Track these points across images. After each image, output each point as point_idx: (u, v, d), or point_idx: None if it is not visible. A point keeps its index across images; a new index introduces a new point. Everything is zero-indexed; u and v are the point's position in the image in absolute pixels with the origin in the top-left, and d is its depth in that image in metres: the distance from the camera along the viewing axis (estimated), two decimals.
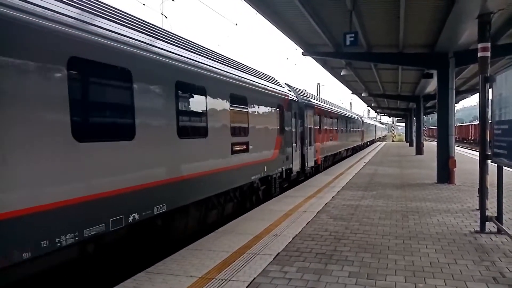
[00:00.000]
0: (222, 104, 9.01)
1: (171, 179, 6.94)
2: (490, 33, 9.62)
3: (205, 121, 8.23)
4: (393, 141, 75.81)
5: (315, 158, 18.27)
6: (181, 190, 7.29)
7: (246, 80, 10.57)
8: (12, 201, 4.18)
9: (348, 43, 10.96)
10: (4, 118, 4.12)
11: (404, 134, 71.85)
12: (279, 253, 6.10)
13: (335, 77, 24.40)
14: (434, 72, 16.65)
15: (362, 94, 32.22)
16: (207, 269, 5.40)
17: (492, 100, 6.96)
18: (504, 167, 6.75)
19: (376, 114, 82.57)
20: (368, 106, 58.80)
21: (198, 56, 8.26)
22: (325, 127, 21.29)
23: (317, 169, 19.15)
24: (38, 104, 4.51)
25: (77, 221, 4.97)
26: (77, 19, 5.11)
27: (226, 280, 5.00)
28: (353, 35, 10.94)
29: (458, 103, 45.12)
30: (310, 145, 17.25)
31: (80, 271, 5.56)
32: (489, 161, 7.34)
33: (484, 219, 7.20)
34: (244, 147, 10.18)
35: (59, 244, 4.67)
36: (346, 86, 30.81)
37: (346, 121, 30.27)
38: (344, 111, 32.21)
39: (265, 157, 11.82)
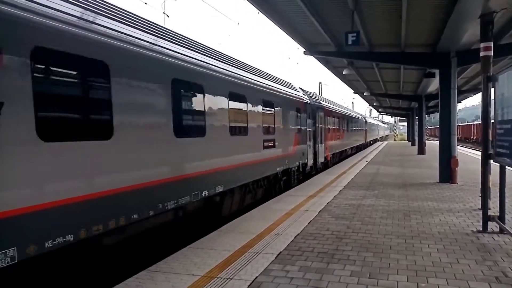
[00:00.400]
0: (257, 108, 11.00)
1: (227, 167, 9.10)
2: (493, 33, 9.59)
3: (246, 122, 10.22)
4: (395, 140, 75.72)
5: (325, 155, 20.11)
6: (231, 176, 9.36)
7: (273, 88, 12.67)
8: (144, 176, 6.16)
9: (350, 42, 10.96)
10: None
11: (406, 134, 71.76)
12: (281, 252, 6.10)
13: (337, 76, 24.39)
14: (436, 72, 16.59)
15: (364, 94, 32.21)
16: (209, 268, 5.41)
17: (494, 99, 6.96)
18: (506, 167, 6.74)
19: (378, 113, 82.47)
20: (370, 105, 58.74)
21: (242, 71, 10.35)
22: (333, 127, 23.15)
23: (326, 165, 20.64)
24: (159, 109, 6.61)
25: (175, 192, 6.97)
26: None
27: (228, 279, 5.01)
28: (355, 34, 10.94)
29: (460, 102, 45.13)
30: (321, 143, 19.14)
31: (82, 270, 5.57)
32: (491, 161, 7.34)
33: (486, 218, 7.19)
34: (272, 143, 12.21)
35: (167, 207, 6.77)
36: (348, 86, 30.79)
37: (352, 121, 32.23)
38: (349, 112, 34.03)
39: (287, 153, 13.83)
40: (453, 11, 9.94)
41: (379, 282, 4.82)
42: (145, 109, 6.35)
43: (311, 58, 17.20)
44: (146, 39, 6.51)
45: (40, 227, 4.49)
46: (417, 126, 35.76)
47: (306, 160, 16.39)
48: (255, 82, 11.03)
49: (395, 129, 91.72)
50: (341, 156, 26.70)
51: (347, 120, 29.01)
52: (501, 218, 6.97)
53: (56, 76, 4.96)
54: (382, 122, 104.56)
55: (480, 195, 8.04)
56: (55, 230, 4.66)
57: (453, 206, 9.44)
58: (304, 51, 15.74)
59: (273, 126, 12.33)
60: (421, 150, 29.11)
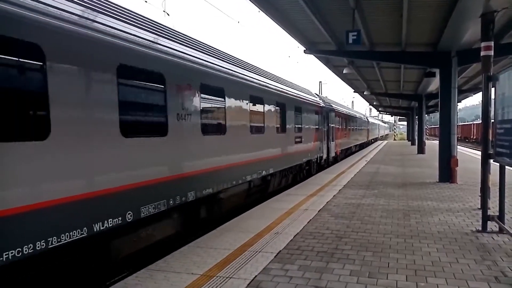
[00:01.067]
0: (292, 113, 14.52)
1: (276, 155, 12.60)
2: (494, 32, 9.57)
3: (284, 122, 13.60)
4: (395, 140, 75.75)
5: (335, 151, 23.64)
6: (277, 163, 12.79)
7: (302, 96, 16.31)
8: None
9: (350, 41, 10.94)
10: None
11: (406, 133, 71.76)
12: (280, 251, 6.10)
13: (337, 75, 24.37)
14: (437, 71, 16.57)
15: (364, 93, 32.19)
16: (208, 267, 5.41)
17: (495, 99, 6.95)
18: (506, 167, 6.73)
19: (378, 112, 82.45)
20: (370, 104, 58.71)
21: (284, 86, 14.24)
22: (342, 127, 26.59)
23: (335, 159, 24.02)
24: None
25: (250, 171, 10.43)
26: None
27: (227, 277, 5.01)
28: (355, 33, 10.92)
29: (461, 102, 45.09)
30: (332, 141, 22.38)
31: (82, 269, 5.57)
32: (491, 160, 7.33)
33: (486, 218, 7.19)
34: (300, 139, 15.54)
35: (246, 179, 10.22)
36: (348, 85, 30.78)
37: (356, 122, 36.18)
38: (355, 114, 37.85)
39: (309, 147, 17.20)
40: (454, 10, 9.93)
41: (379, 282, 4.82)
42: (234, 115, 9.53)
43: (311, 57, 17.60)
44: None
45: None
46: (417, 126, 35.74)
47: (322, 154, 19.84)
48: (291, 93, 14.79)
49: (395, 129, 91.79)
50: (347, 152, 29.90)
51: (352, 121, 32.91)
52: (501, 217, 6.97)
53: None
54: (382, 121, 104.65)
55: (480, 194, 8.03)
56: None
57: (452, 206, 9.44)
58: (304, 50, 15.72)
59: (301, 126, 15.81)
60: (421, 150, 29.11)
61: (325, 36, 13.68)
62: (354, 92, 35.33)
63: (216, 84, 8.65)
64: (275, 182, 13.34)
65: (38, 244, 4.39)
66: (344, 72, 19.60)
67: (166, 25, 7.54)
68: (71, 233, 4.81)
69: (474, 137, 52.44)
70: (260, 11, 11.49)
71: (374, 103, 50.17)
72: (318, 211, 9.02)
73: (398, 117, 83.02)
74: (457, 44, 12.72)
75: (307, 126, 16.77)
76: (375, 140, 63.52)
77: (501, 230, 6.94)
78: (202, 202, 8.21)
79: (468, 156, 25.17)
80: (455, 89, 13.66)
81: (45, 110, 4.58)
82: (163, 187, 6.67)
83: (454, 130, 13.63)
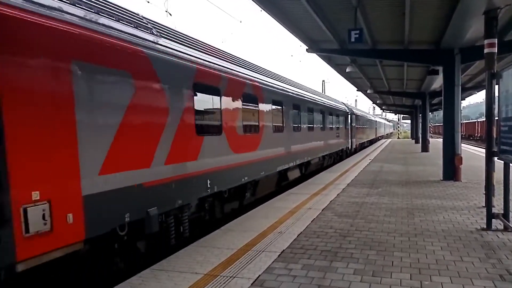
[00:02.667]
0: (332, 116, 21.25)
1: (326, 145, 19.52)
2: (497, 29, 9.51)
3: (325, 124, 19.51)
4: (398, 138, 75.52)
5: (355, 144, 31.53)
6: (327, 149, 20.00)
7: (336, 106, 23.93)
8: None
9: (353, 39, 10.91)
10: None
11: (409, 131, 71.55)
12: (284, 250, 6.10)
13: (340, 74, 24.32)
14: (440, 69, 16.53)
15: (368, 91, 32.09)
16: (212, 266, 5.42)
17: (498, 96, 6.91)
18: (510, 164, 6.70)
19: (382, 111, 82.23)
20: (373, 103, 58.54)
21: (330, 101, 22.68)
22: (358, 126, 34.09)
23: (355, 150, 31.71)
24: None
25: (304, 156, 15.57)
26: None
27: (231, 277, 5.01)
28: (358, 31, 10.89)
29: (464, 99, 44.98)
30: (353, 137, 29.92)
31: (86, 268, 5.59)
32: (495, 158, 7.29)
33: (490, 216, 7.16)
34: (337, 135, 23.24)
35: (309, 159, 16.51)
36: (351, 83, 30.70)
37: (368, 122, 45.11)
38: (367, 115, 47.58)
39: (342, 140, 25.01)
40: (457, 7, 9.88)
41: (383, 280, 4.81)
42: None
43: (314, 56, 17.64)
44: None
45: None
46: (420, 124, 35.59)
47: (348, 145, 27.69)
48: (333, 105, 22.80)
49: (398, 127, 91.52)
50: (362, 146, 38.23)
51: (365, 121, 41.95)
52: (505, 215, 6.94)
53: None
54: (387, 120, 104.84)
55: (484, 192, 7.99)
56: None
57: (457, 204, 9.40)
58: (306, 49, 15.69)
59: (338, 126, 23.40)
60: (425, 148, 29.00)
61: (327, 34, 13.65)
62: (357, 90, 35.25)
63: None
64: (328, 161, 21.61)
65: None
66: (347, 70, 19.59)
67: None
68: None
69: (478, 135, 52.21)
70: (262, 10, 11.48)
71: (378, 102, 50.05)
72: (322, 210, 9.01)
73: (402, 115, 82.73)
74: (460, 41, 12.66)
75: (341, 126, 24.48)
76: (381, 137, 72.50)
77: (506, 228, 6.91)
78: (299, 166, 15.35)
79: (472, 154, 25.06)
80: (458, 87, 13.61)
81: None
82: (276, 161, 12.34)
83: (458, 128, 13.58)
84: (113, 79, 5.49)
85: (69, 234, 4.69)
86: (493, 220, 7.15)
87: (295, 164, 14.24)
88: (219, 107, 8.53)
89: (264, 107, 11.27)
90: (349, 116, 28.15)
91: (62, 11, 4.82)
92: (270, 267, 5.37)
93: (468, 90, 28.73)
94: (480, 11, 9.45)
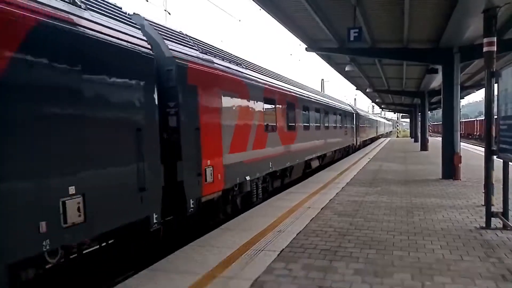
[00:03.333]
0: (344, 118, 26.49)
1: (340, 140, 24.80)
2: (496, 28, 9.50)
3: (337, 123, 23.66)
4: (397, 137, 75.55)
5: (360, 141, 36.00)
6: (338, 144, 24.14)
7: (347, 109, 29.06)
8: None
9: (352, 38, 10.89)
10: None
11: (409, 130, 71.60)
12: (283, 249, 6.08)
13: (339, 73, 24.30)
14: (439, 68, 16.50)
15: (367, 90, 32.12)
16: (211, 267, 5.38)
17: (497, 95, 6.90)
18: (510, 163, 6.69)
19: (381, 110, 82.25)
20: (372, 102, 58.55)
21: (342, 104, 28.76)
22: (362, 125, 38.43)
23: (359, 147, 35.23)
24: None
25: (324, 149, 19.87)
26: None
27: (230, 277, 4.99)
28: (357, 30, 10.87)
29: (463, 98, 44.92)
30: (358, 136, 34.37)
31: (83, 269, 5.58)
32: (494, 157, 7.28)
33: (489, 215, 7.15)
34: (346, 133, 27.03)
35: (327, 152, 20.77)
36: (351, 82, 30.68)
37: (370, 121, 49.88)
38: (369, 115, 54.06)
39: (349, 137, 29.03)
40: (456, 6, 9.87)
41: (384, 281, 4.77)
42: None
43: (313, 55, 17.55)
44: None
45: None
46: (419, 123, 35.62)
47: (354, 142, 31.61)
48: (342, 107, 26.61)
49: (397, 126, 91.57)
50: (365, 143, 41.75)
51: (368, 120, 47.05)
52: (505, 214, 6.93)
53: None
54: (386, 119, 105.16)
55: (483, 191, 7.98)
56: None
57: (456, 203, 9.40)
58: (306, 48, 15.67)
59: (346, 125, 27.33)
60: (424, 147, 29.01)
61: (326, 33, 13.63)
62: (356, 89, 35.25)
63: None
64: (338, 154, 24.96)
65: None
66: (346, 69, 19.56)
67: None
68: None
69: (478, 134, 52.23)
70: (261, 9, 11.46)
71: (377, 100, 50.09)
72: (321, 209, 8.99)
73: (401, 114, 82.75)
74: (459, 40, 12.65)
75: (349, 126, 28.47)
76: (381, 135, 75.42)
77: (505, 227, 6.90)
78: (318, 158, 18.81)
79: (471, 152, 25.06)
80: (457, 86, 13.60)
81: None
82: (304, 152, 15.90)
83: (457, 126, 13.57)
84: (233, 99, 9.33)
85: (219, 185, 8.39)
86: (492, 218, 7.15)
87: (316, 156, 18.01)
88: (274, 113, 12.41)
89: (298, 111, 15.16)
90: (355, 116, 33.12)
91: (213, 62, 8.62)
92: (270, 266, 5.34)
93: (467, 89, 28.73)
94: (479, 9, 9.44)
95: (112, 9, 5.77)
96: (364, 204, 9.42)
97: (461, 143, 14.96)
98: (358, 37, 10.87)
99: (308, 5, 10.84)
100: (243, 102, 9.97)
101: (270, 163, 11.67)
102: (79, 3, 4.87)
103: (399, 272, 5.05)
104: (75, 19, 4.65)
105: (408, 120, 79.26)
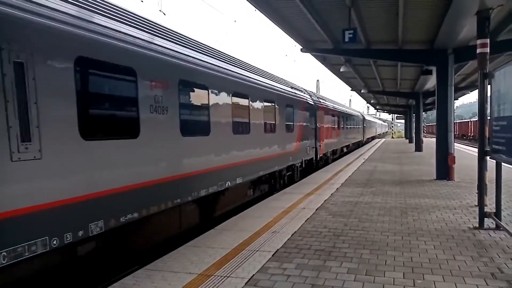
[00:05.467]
0: (356, 122, 36.79)
1: (353, 139, 34.69)
2: (489, 29, 9.58)
3: (353, 125, 33.83)
4: (392, 137, 75.84)
5: (366, 138, 47.06)
6: (351, 140, 33.73)
7: (357, 114, 40.73)
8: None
9: (347, 39, 10.94)
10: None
11: (403, 131, 71.92)
12: (278, 249, 6.11)
13: (334, 73, 24.39)
14: (433, 69, 16.63)
15: (362, 91, 32.22)
16: (206, 266, 5.41)
17: (490, 96, 6.96)
18: (502, 164, 6.75)
19: (376, 111, 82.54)
20: (367, 102, 58.76)
21: (352, 111, 40.48)
22: (365, 126, 45.73)
23: (364, 144, 44.24)
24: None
25: (341, 143, 28.17)
26: None
27: (225, 276, 5.01)
28: (352, 31, 10.92)
29: (458, 99, 45.35)
30: (364, 134, 41.21)
31: (78, 268, 5.56)
32: (488, 158, 7.35)
33: (482, 215, 7.22)
34: (357, 132, 38.51)
35: (337, 148, 27.22)
36: (346, 83, 30.79)
37: (371, 123, 59.21)
38: (370, 118, 63.11)
39: (359, 136, 39.81)
40: (450, 7, 9.95)
41: (376, 279, 4.83)
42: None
43: (308, 56, 17.65)
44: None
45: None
46: (414, 123, 35.81)
47: (362, 139, 40.47)
48: (355, 114, 37.57)
49: (392, 126, 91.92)
50: (367, 140, 50.83)
51: (369, 123, 54.99)
52: (497, 214, 6.99)
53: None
54: (383, 120, 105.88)
55: (477, 191, 8.05)
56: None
57: (450, 203, 9.47)
58: (301, 49, 15.71)
59: (358, 127, 37.44)
60: (418, 147, 29.17)
61: (321, 34, 13.68)
62: (351, 90, 35.37)
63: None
64: (352, 147, 32.11)
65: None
66: (341, 70, 19.65)
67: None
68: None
69: (472, 135, 52.53)
70: (257, 10, 11.48)
71: (372, 101, 50.25)
72: (316, 209, 9.03)
73: (396, 115, 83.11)
74: (453, 41, 12.74)
75: (359, 127, 37.25)
76: (378, 136, 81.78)
77: (498, 227, 6.97)
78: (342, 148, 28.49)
79: (465, 153, 25.23)
80: (451, 87, 13.69)
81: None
82: (339, 143, 26.55)
83: (451, 127, 13.67)
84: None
85: (322, 153, 19.32)
86: (485, 219, 7.21)
87: (343, 146, 27.76)
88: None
89: (340, 121, 25.65)
90: (362, 120, 42.35)
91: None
92: (264, 266, 5.37)
93: (461, 90, 28.92)
94: (472, 11, 9.52)
95: None
96: (359, 205, 9.47)
97: (455, 143, 15.07)
98: (353, 38, 10.92)
99: (303, 6, 10.88)
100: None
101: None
102: None
103: (391, 271, 5.11)
104: None
105: (402, 121, 79.69)
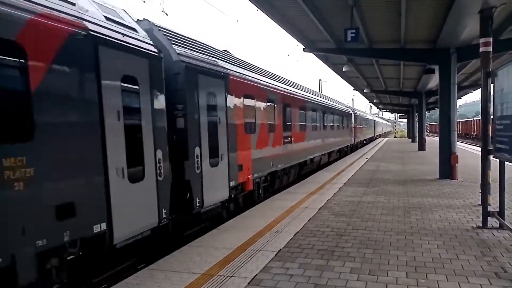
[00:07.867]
0: (371, 123, 54.99)
1: (368, 133, 50.66)
2: (492, 28, 9.55)
3: (369, 126, 50.68)
4: (395, 137, 75.70)
5: (376, 135, 60.94)
6: (368, 135, 49.52)
7: (371, 117, 59.98)
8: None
9: (349, 39, 10.91)
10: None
11: (406, 130, 71.77)
12: (281, 249, 6.11)
13: (337, 73, 24.34)
14: (436, 68, 16.56)
15: (364, 90, 32.16)
16: (209, 266, 5.42)
17: (494, 95, 6.94)
18: (506, 162, 6.73)
19: (378, 110, 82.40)
20: (370, 102, 58.68)
21: (367, 114, 58.63)
22: (374, 126, 54.63)
23: (375, 139, 56.52)
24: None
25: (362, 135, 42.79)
26: None
27: (228, 276, 5.02)
28: (354, 31, 10.90)
29: (461, 98, 45.27)
30: (375, 133, 57.71)
31: (83, 269, 5.59)
32: (491, 157, 7.33)
33: (486, 214, 7.19)
34: (373, 130, 56.49)
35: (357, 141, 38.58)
36: (348, 82, 30.75)
37: (378, 124, 65.67)
38: (370, 117, 61.48)
39: (371, 133, 54.97)
40: (453, 6, 9.91)
41: (379, 279, 4.83)
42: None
43: (310, 55, 17.56)
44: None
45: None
46: (417, 123, 35.75)
47: (372, 135, 52.85)
48: (368, 117, 53.22)
49: (395, 126, 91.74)
50: (372, 138, 54.98)
51: (369, 121, 54.15)
52: (501, 213, 6.97)
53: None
54: (386, 120, 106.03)
55: (480, 191, 8.03)
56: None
57: (453, 202, 9.44)
58: (303, 48, 15.70)
59: (373, 126, 54.93)
60: (421, 147, 29.07)
61: (324, 34, 13.66)
62: (354, 90, 35.32)
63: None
64: (367, 141, 43.95)
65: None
66: (343, 70, 19.60)
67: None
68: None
69: (475, 134, 52.37)
70: (259, 9, 11.47)
71: (374, 101, 50.15)
72: (319, 209, 9.03)
73: (399, 114, 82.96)
74: (456, 40, 12.70)
75: (372, 126, 51.43)
76: (380, 136, 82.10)
77: (501, 226, 6.94)
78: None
79: (468, 152, 25.14)
80: (454, 86, 13.65)
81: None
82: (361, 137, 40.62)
83: (454, 126, 13.62)
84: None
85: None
86: (488, 218, 7.19)
87: (363, 139, 37.02)
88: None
89: (359, 123, 36.97)
90: (373, 121, 53.78)
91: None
92: (267, 266, 5.38)
93: (464, 89, 28.82)
94: (475, 10, 9.48)
95: None
96: (362, 204, 9.46)
97: (459, 143, 15.03)
98: (355, 37, 10.90)
99: (306, 6, 10.86)
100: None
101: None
102: None
103: (394, 270, 5.10)
104: None
105: (405, 120, 79.57)
